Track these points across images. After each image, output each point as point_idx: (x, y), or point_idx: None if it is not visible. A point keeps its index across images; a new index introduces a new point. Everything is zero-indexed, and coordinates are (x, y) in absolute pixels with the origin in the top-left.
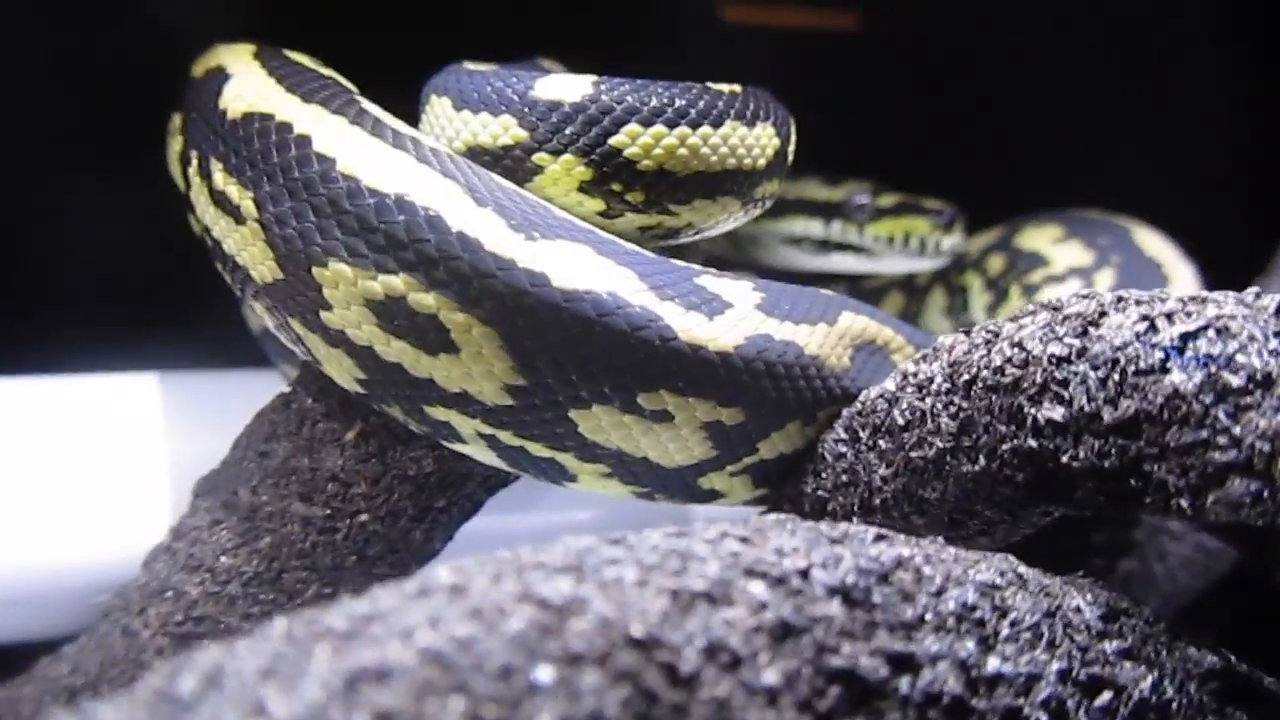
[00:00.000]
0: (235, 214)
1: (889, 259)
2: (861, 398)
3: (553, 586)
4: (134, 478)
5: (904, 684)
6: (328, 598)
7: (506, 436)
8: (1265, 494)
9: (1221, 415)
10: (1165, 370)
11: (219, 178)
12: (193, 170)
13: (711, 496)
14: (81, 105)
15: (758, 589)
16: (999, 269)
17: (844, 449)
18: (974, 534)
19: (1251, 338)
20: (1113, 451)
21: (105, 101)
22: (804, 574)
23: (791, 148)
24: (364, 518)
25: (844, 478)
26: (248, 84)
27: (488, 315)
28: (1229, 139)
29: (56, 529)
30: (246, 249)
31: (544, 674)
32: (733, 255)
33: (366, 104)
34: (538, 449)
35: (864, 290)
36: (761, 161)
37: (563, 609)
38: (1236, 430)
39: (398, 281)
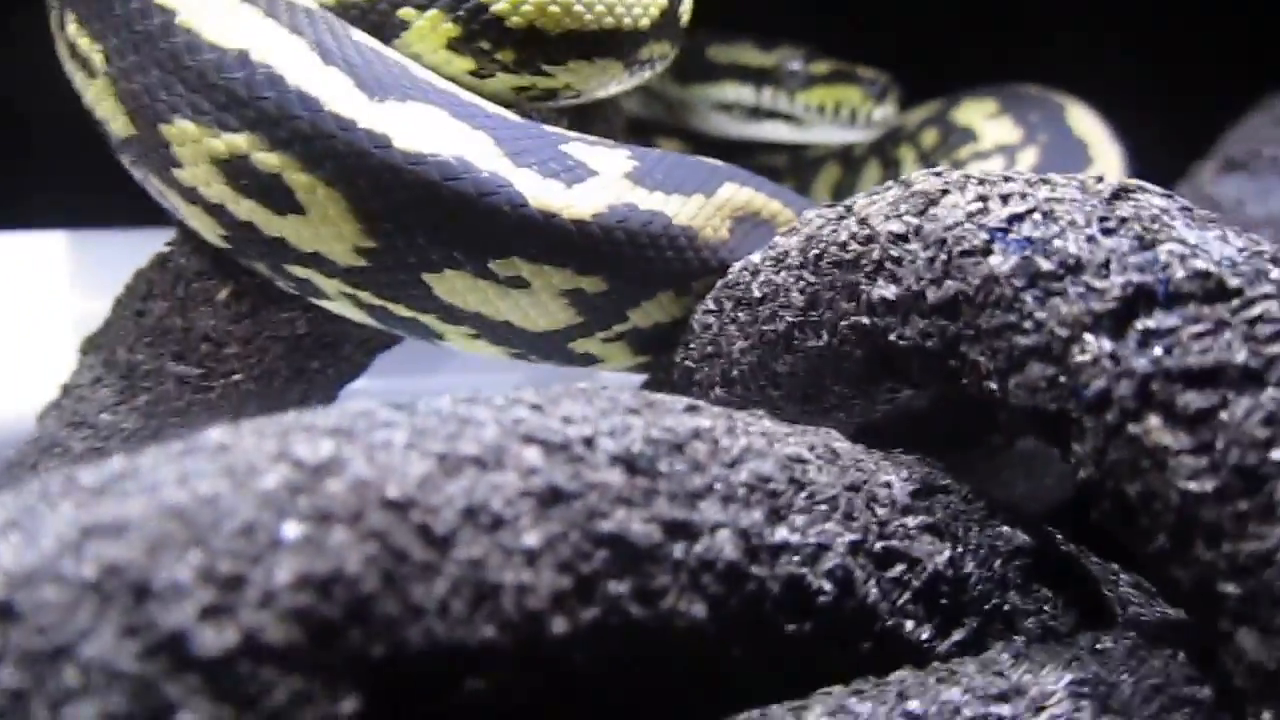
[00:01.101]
0: (88, 67)
1: (820, 128)
2: (731, 269)
3: (312, 447)
4: (43, 335)
5: (678, 549)
6: None
7: (367, 296)
8: (1060, 379)
9: (1029, 299)
10: (988, 252)
11: (72, 29)
12: (54, 20)
13: (588, 361)
14: None
15: (532, 455)
16: (932, 144)
17: (710, 320)
18: (830, 409)
19: (1073, 223)
20: (934, 331)
21: None
22: (588, 441)
23: (684, 7)
24: (238, 377)
25: (709, 349)
26: None
27: (330, 176)
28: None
29: None
30: (101, 103)
31: (289, 530)
32: (666, 119)
33: None
34: (399, 309)
35: (805, 160)
36: (644, 21)
37: (318, 469)
38: (1041, 315)
39: (240, 140)
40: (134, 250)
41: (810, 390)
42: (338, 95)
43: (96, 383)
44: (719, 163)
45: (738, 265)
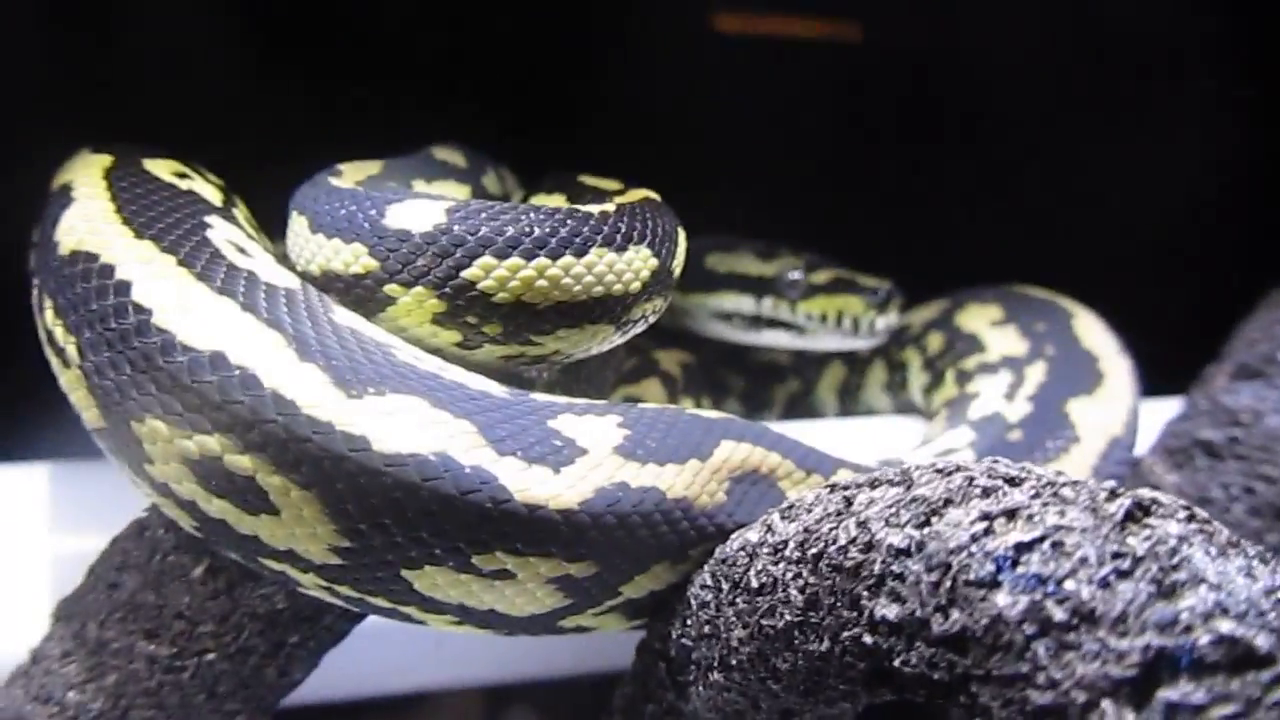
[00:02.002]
0: (62, 356)
1: (822, 337)
2: (728, 545)
3: None
4: (23, 574)
5: None
6: None
7: (344, 590)
8: None
9: (1041, 651)
10: (996, 585)
11: (49, 316)
12: (34, 300)
13: (580, 631)
14: None
15: None
16: (937, 349)
17: (708, 597)
18: (835, 699)
19: (1084, 560)
20: (942, 664)
21: None
22: None
23: (677, 261)
24: (211, 656)
25: (706, 629)
26: (83, 213)
27: (305, 479)
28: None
29: None
30: (74, 392)
31: None
32: (667, 324)
33: (215, 229)
34: (379, 601)
35: (809, 359)
36: (635, 285)
37: None
38: (1055, 672)
39: (213, 442)
40: (120, 484)
41: (812, 685)
42: (314, 395)
43: (65, 656)
44: (715, 417)
45: (735, 542)
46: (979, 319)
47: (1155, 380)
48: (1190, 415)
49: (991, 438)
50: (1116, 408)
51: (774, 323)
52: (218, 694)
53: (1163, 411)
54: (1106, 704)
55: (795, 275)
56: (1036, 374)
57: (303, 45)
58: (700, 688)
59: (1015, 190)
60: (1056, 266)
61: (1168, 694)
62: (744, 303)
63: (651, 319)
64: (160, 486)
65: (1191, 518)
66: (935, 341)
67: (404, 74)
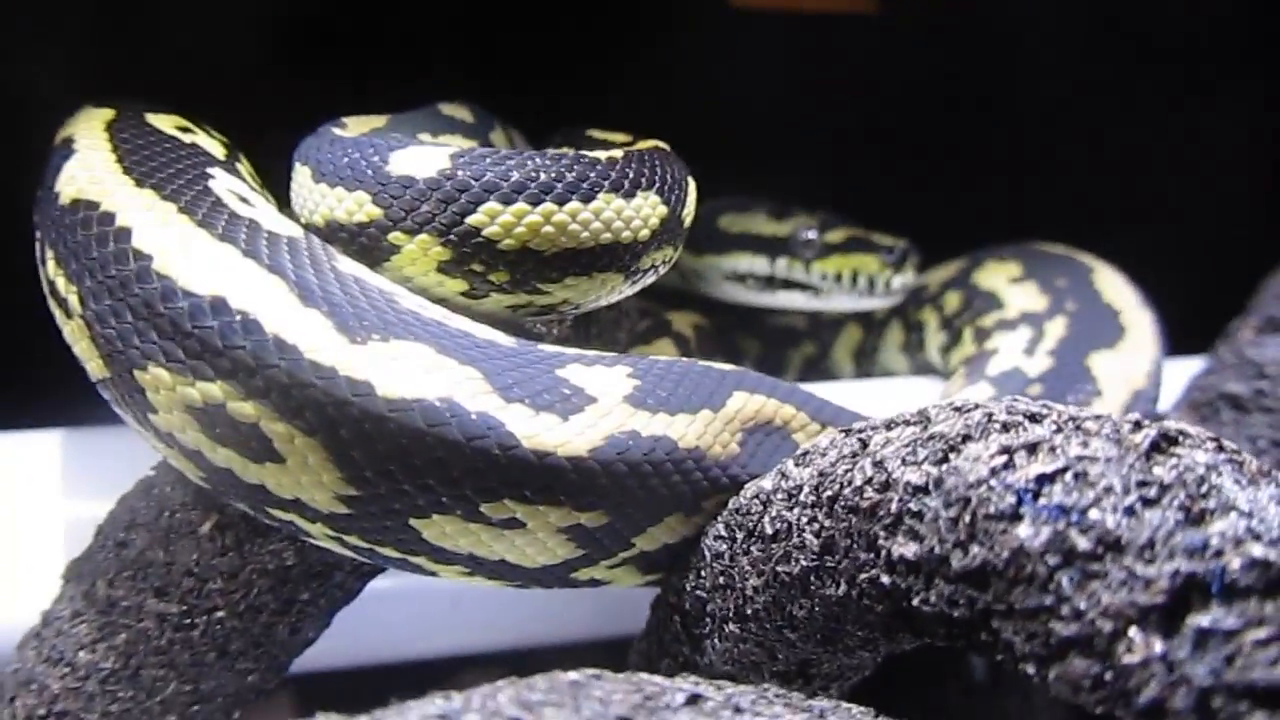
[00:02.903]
0: (64, 306)
1: (837, 297)
2: (742, 494)
3: None
4: (36, 540)
5: None
6: (188, 694)
7: (353, 540)
8: (1106, 678)
9: (1065, 582)
10: (1016, 518)
11: (51, 266)
12: (37, 252)
13: (594, 585)
14: None
15: None
16: (955, 308)
17: (722, 548)
18: (854, 648)
19: (1109, 489)
20: (962, 601)
21: None
22: None
23: (688, 210)
24: (221, 614)
25: (720, 579)
26: (84, 163)
27: (309, 426)
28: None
29: None
30: (77, 343)
31: None
32: (680, 286)
33: (217, 179)
34: (388, 551)
35: (824, 321)
36: (645, 233)
37: None
38: (1080, 602)
39: (215, 389)
40: (131, 448)
41: (830, 633)
42: (317, 340)
43: (76, 616)
44: (727, 368)
45: (749, 490)
46: (997, 276)
47: (1179, 340)
48: (1216, 369)
49: (1011, 393)
50: (1139, 361)
51: (788, 283)
52: (229, 652)
53: (1187, 370)
54: (1134, 632)
55: (809, 234)
56: (1057, 329)
57: (319, 12)
58: (716, 640)
59: (1035, 155)
60: (1079, 231)
61: (1199, 620)
62: (758, 263)
63: (662, 269)
64: (166, 437)
65: (1220, 448)
66: (953, 300)
67: (419, 49)
